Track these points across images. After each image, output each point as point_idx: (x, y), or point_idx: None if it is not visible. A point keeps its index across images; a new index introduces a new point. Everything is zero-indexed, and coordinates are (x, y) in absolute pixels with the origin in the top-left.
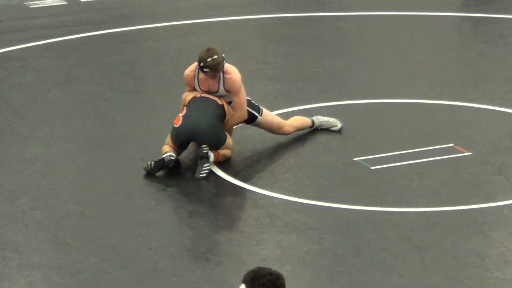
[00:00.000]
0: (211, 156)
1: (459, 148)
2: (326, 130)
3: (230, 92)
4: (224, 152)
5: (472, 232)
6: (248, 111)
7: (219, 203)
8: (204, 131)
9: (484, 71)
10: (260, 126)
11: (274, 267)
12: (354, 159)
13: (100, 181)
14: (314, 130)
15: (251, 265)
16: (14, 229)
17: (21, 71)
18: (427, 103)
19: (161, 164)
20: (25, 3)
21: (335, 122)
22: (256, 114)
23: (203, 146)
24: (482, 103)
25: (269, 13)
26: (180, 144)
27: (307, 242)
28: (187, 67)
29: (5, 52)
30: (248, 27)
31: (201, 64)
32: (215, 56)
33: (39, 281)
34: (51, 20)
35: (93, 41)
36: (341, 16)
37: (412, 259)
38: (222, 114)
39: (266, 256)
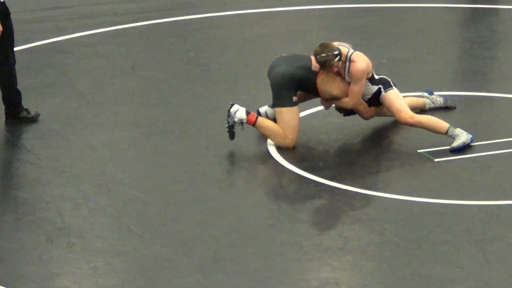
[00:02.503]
0: (238, 108)
1: None
2: (391, 121)
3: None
4: (269, 124)
5: None
6: (379, 89)
7: (283, 193)
8: (276, 71)
9: None
10: (384, 104)
11: (336, 257)
12: (418, 151)
13: (164, 168)
14: (379, 122)
15: (313, 255)
16: (77, 215)
17: (88, 57)
18: (491, 96)
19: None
20: None
21: (466, 137)
22: (382, 89)
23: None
24: None
25: (334, 3)
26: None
27: (369, 233)
28: (252, 56)
29: (73, 38)
30: (313, 17)
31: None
32: (323, 54)
33: (102, 267)
34: (119, 7)
35: (159, 28)
36: (406, 8)
37: (473, 253)
38: (308, 79)
39: (328, 246)
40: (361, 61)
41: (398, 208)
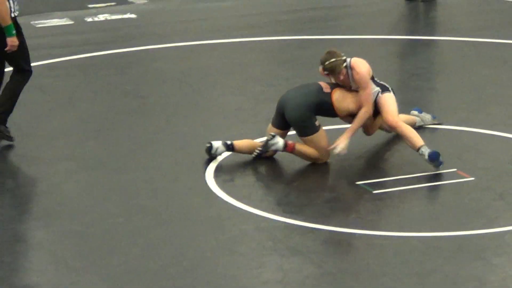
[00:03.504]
0: (278, 140)
1: (462, 173)
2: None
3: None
4: (305, 149)
5: (473, 257)
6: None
7: (221, 226)
8: (291, 106)
9: (487, 96)
10: (378, 105)
11: None
12: (357, 183)
13: (102, 201)
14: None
15: None
16: (14, 250)
17: (25, 90)
18: (431, 128)
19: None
20: (32, 23)
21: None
22: (379, 92)
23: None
24: (486, 129)
25: (274, 36)
26: (276, 119)
27: (308, 265)
28: (190, 88)
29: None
30: (253, 49)
31: (322, 66)
32: (332, 59)
33: None
34: (57, 40)
35: (97, 61)
36: (344, 39)
37: (412, 284)
38: (323, 102)
39: (267, 279)
40: (360, 66)
41: (337, 240)
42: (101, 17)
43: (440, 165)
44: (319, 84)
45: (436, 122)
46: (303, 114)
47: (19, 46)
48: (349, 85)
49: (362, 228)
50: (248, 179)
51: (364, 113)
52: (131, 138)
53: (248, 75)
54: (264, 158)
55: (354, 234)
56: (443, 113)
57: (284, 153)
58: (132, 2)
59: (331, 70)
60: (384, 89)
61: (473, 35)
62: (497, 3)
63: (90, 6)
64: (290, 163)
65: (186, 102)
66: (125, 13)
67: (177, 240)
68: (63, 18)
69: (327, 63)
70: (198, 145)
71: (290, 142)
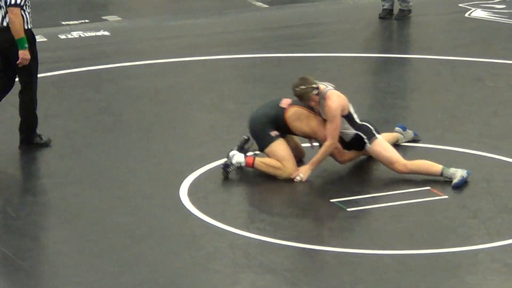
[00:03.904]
0: (236, 153)
1: (435, 191)
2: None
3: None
4: (268, 161)
5: (447, 275)
6: (358, 135)
7: (195, 243)
8: (250, 120)
9: (461, 114)
10: (372, 155)
11: None
12: (331, 200)
13: (76, 218)
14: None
15: None
16: None
17: (0, 107)
18: (405, 146)
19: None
20: None
21: (461, 172)
22: (366, 140)
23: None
24: (459, 147)
25: (247, 53)
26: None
27: (281, 283)
28: (164, 105)
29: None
30: (227, 66)
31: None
32: (302, 86)
33: None
34: None
35: (72, 78)
36: (318, 57)
37: None
38: (277, 116)
39: None
40: (333, 99)
41: (311, 258)
42: (75, 34)
43: (467, 174)
44: (281, 99)
45: (416, 138)
46: (257, 125)
47: (32, 58)
48: (319, 113)
49: (336, 246)
50: (222, 196)
51: (328, 146)
52: (106, 155)
53: (222, 93)
54: (238, 174)
55: (328, 251)
56: (417, 131)
57: (256, 171)
58: (106, 20)
59: (299, 96)
60: (369, 134)
61: (447, 53)
62: (471, 22)
63: (63, 23)
64: (265, 180)
65: (160, 119)
66: (98, 30)
67: (152, 257)
68: (37, 35)
69: (297, 89)
70: (172, 162)
71: (249, 156)
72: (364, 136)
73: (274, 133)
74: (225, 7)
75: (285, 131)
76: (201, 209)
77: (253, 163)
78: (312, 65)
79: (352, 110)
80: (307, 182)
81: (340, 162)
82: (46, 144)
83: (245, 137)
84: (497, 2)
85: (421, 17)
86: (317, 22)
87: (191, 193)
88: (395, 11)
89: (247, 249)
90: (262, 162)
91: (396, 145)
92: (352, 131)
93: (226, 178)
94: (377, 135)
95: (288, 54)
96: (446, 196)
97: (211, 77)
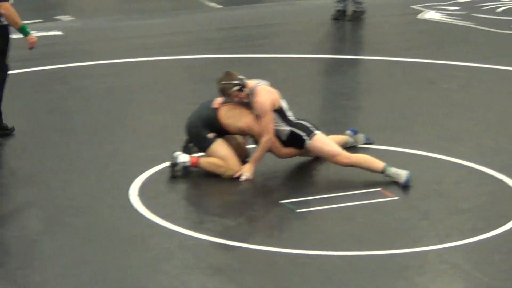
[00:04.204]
0: (181, 156)
1: (386, 192)
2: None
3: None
4: (211, 160)
5: (396, 276)
6: (294, 132)
7: (144, 244)
8: (187, 125)
9: (413, 115)
10: (313, 151)
11: None
12: (281, 201)
13: (24, 218)
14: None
15: None
16: None
17: None
18: (358, 147)
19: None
20: None
21: (402, 175)
22: (305, 137)
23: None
24: (411, 148)
25: (200, 54)
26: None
27: (231, 284)
28: (116, 106)
29: None
30: (178, 67)
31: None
32: (223, 82)
33: None
34: None
35: (23, 78)
36: (271, 58)
37: None
38: (210, 117)
39: None
40: (261, 94)
41: (260, 259)
42: None
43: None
44: (213, 100)
45: (368, 142)
46: (193, 129)
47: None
48: (250, 108)
49: (285, 247)
50: (171, 197)
51: (266, 141)
52: (56, 155)
53: (174, 93)
54: (188, 175)
55: (277, 252)
56: (369, 132)
57: (207, 172)
58: (58, 20)
59: (221, 91)
60: (308, 131)
61: (400, 55)
62: (424, 23)
63: None
64: (215, 181)
65: (111, 119)
66: (51, 30)
67: (100, 258)
68: None
69: (219, 83)
70: (122, 163)
71: (194, 156)
72: (301, 133)
73: (210, 135)
74: (178, 7)
75: (222, 131)
76: (150, 210)
77: (197, 162)
78: (265, 66)
79: (285, 107)
80: (257, 183)
81: (280, 157)
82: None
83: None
84: (450, 4)
85: (374, 19)
86: (270, 23)
87: (141, 193)
88: (349, 12)
89: (197, 250)
90: (207, 161)
91: (346, 148)
92: (286, 128)
93: (173, 177)
94: (316, 131)
95: (240, 55)
96: (397, 198)
97: (163, 78)
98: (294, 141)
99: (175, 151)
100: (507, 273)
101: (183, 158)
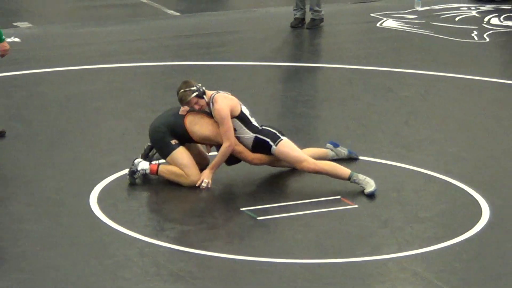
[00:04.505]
0: (140, 164)
1: (346, 200)
2: (214, 180)
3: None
4: (171, 168)
5: (356, 284)
6: (259, 138)
7: (105, 250)
8: (151, 129)
9: (372, 123)
10: (279, 157)
11: None
12: (241, 209)
13: None
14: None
15: None
16: None
17: None
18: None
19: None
20: None
21: (370, 184)
22: (270, 143)
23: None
24: (370, 156)
25: (158, 61)
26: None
27: None
28: (75, 113)
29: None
30: (137, 74)
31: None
32: (181, 90)
33: None
34: None
35: None
36: (230, 66)
37: None
38: (177, 124)
39: None
40: (219, 102)
41: (221, 266)
42: None
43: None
44: (179, 107)
45: (353, 156)
46: (156, 134)
47: None
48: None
49: (246, 254)
50: (132, 204)
51: (226, 148)
52: (15, 162)
53: (132, 100)
54: (148, 182)
55: (238, 260)
56: (328, 140)
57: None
58: (16, 26)
59: (180, 99)
60: (273, 137)
61: (358, 63)
62: (382, 32)
63: None
64: (175, 188)
65: (70, 126)
66: (9, 36)
67: (61, 264)
68: None
69: (178, 92)
70: (82, 169)
71: (153, 163)
72: (267, 139)
73: (174, 141)
74: (136, 14)
75: (185, 138)
76: (110, 217)
77: (157, 170)
78: (223, 73)
79: (247, 114)
80: (218, 190)
81: (251, 163)
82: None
83: (150, 145)
84: (408, 12)
85: (333, 27)
86: (229, 30)
87: (101, 200)
88: (307, 20)
89: (157, 257)
90: (166, 169)
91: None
92: (250, 135)
93: (133, 184)
94: (282, 137)
95: (199, 62)
96: (356, 206)
97: (122, 85)
98: (261, 147)
99: (136, 158)
100: (467, 281)
101: (142, 165)
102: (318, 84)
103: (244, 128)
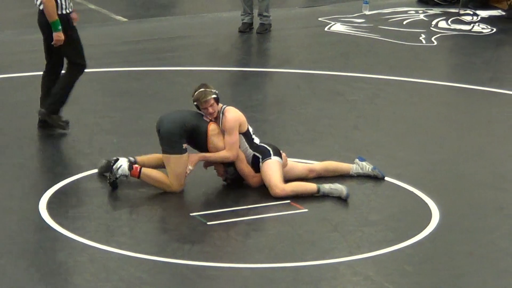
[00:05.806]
0: (122, 163)
1: (295, 204)
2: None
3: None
4: (155, 174)
5: None
6: (255, 155)
7: (56, 257)
8: (168, 120)
9: (321, 128)
10: (261, 174)
11: None
12: (191, 214)
13: None
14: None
15: None
16: None
17: None
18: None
19: None
20: None
21: (339, 189)
22: (260, 159)
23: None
24: (320, 160)
25: (107, 67)
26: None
27: None
28: (24, 119)
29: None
30: (86, 80)
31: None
32: (201, 89)
33: None
34: None
35: None
36: (179, 71)
37: None
38: (199, 126)
39: None
40: (230, 112)
41: (171, 272)
42: None
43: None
44: (192, 111)
45: (376, 173)
46: (175, 128)
47: (68, 40)
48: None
49: (196, 259)
50: (81, 210)
51: (225, 157)
52: None
53: (82, 107)
54: (99, 189)
55: (188, 265)
56: (277, 145)
57: (123, 181)
58: None
59: (197, 98)
60: (264, 155)
61: (307, 67)
62: (330, 36)
63: None
64: (125, 194)
65: (20, 133)
66: None
67: (11, 271)
68: None
69: (196, 92)
70: (32, 176)
71: (135, 165)
72: (259, 156)
73: (185, 146)
74: (84, 20)
75: (199, 144)
76: (60, 223)
77: (139, 175)
78: (173, 78)
79: (251, 130)
80: (168, 196)
81: (252, 184)
82: (60, 126)
83: (108, 161)
84: (356, 16)
85: (282, 31)
86: (177, 35)
87: (51, 207)
88: (255, 25)
89: (107, 263)
90: (148, 175)
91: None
92: (250, 152)
93: (114, 188)
94: (273, 157)
95: (148, 68)
96: (306, 210)
97: (71, 91)
98: (256, 165)
99: (113, 164)
100: (418, 284)
101: (122, 171)
102: (267, 89)
103: (247, 145)
